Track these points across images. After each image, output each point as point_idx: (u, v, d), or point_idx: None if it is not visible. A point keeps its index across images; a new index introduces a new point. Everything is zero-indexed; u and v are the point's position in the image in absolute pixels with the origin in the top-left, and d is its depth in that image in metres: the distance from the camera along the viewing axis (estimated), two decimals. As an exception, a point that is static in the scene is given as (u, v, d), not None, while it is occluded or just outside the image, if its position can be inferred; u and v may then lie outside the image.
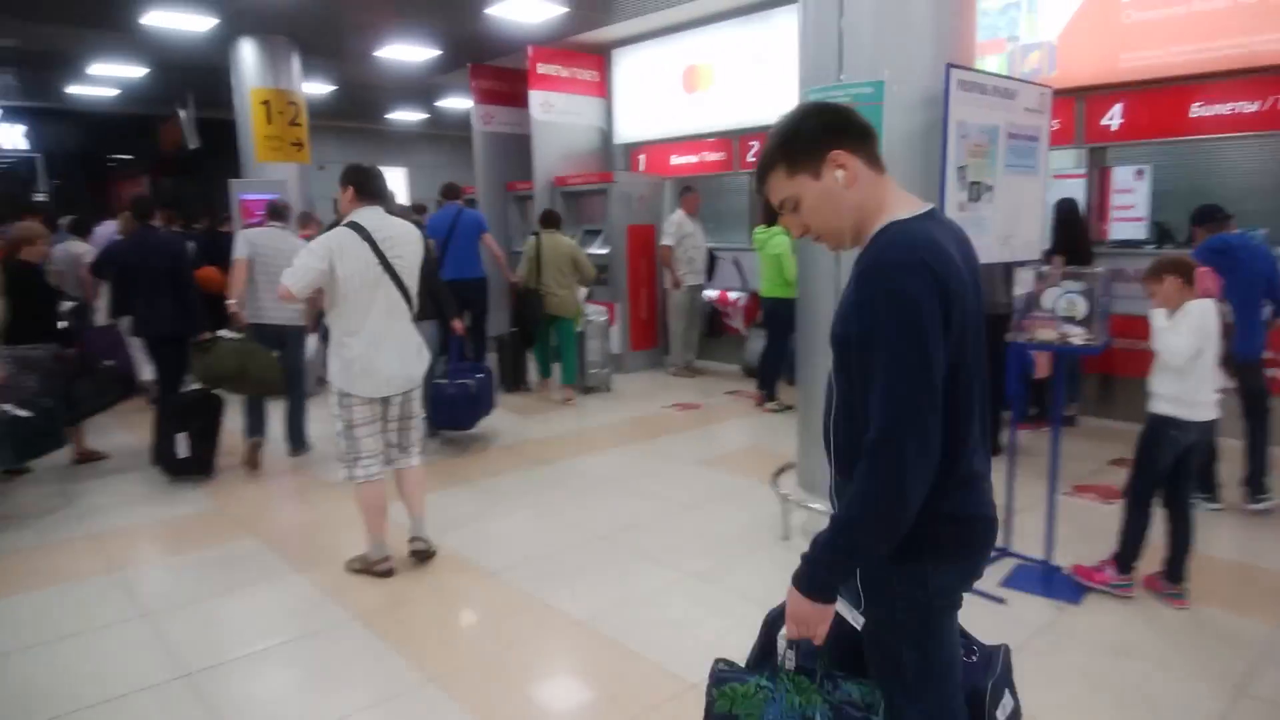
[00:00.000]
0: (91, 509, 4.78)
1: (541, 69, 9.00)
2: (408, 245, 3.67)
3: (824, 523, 1.53)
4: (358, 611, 3.45)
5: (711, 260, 8.43)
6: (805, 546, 1.53)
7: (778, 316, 6.68)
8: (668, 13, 8.08)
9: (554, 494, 4.92)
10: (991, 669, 1.75)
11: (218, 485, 5.18)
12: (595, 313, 7.75)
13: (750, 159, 8.37)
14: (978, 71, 3.51)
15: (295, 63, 9.36)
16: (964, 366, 1.47)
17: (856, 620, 1.60)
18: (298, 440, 5.70)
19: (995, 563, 3.72)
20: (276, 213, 5.47)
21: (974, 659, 1.76)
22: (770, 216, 6.63)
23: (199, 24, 8.45)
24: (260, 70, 9.09)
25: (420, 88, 12.70)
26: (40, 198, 12.97)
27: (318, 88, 12.39)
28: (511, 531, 4.38)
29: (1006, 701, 1.76)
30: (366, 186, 3.62)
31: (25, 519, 4.66)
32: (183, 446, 5.10)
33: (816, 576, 1.49)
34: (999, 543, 3.81)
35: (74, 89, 12.10)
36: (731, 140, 8.48)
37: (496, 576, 3.78)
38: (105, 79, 11.37)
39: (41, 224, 7.56)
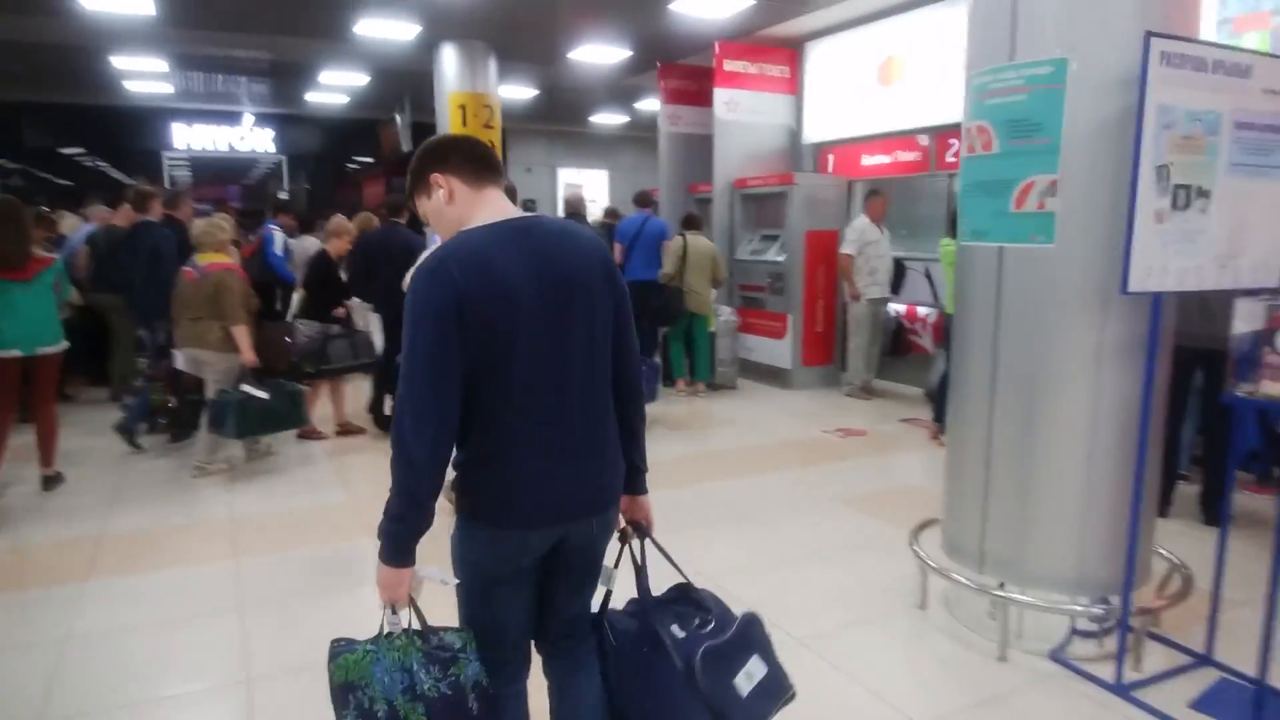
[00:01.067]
0: (262, 491, 5.04)
1: (728, 66, 8.60)
2: None
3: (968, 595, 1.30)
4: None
5: (899, 271, 7.63)
6: (944, 620, 1.18)
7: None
8: (865, -1, 7.43)
9: (669, 518, 4.53)
10: (718, 636, 1.91)
11: (355, 476, 5.31)
12: (726, 313, 8.09)
13: (950, 159, 7.48)
14: (1193, 42, 2.69)
15: (492, 66, 9.61)
16: (497, 355, 1.70)
17: (445, 582, 1.79)
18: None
19: (1189, 673, 2.88)
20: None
21: (708, 628, 1.94)
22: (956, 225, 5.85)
23: (404, 31, 8.89)
24: (459, 74, 9.42)
25: (620, 90, 12.73)
26: (282, 195, 14.47)
27: (521, 91, 12.78)
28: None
29: (753, 669, 1.91)
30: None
31: (183, 497, 4.99)
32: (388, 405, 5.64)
33: (385, 545, 1.71)
34: (1200, 648, 2.97)
35: (311, 96, 13.31)
36: (928, 138, 7.63)
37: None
38: (336, 87, 12.39)
39: (293, 219, 8.40)
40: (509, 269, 1.71)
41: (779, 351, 8.14)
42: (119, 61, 10.45)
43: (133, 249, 6.06)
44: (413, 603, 1.75)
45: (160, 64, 10.64)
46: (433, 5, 8.13)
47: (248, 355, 5.09)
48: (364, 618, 3.35)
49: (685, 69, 9.77)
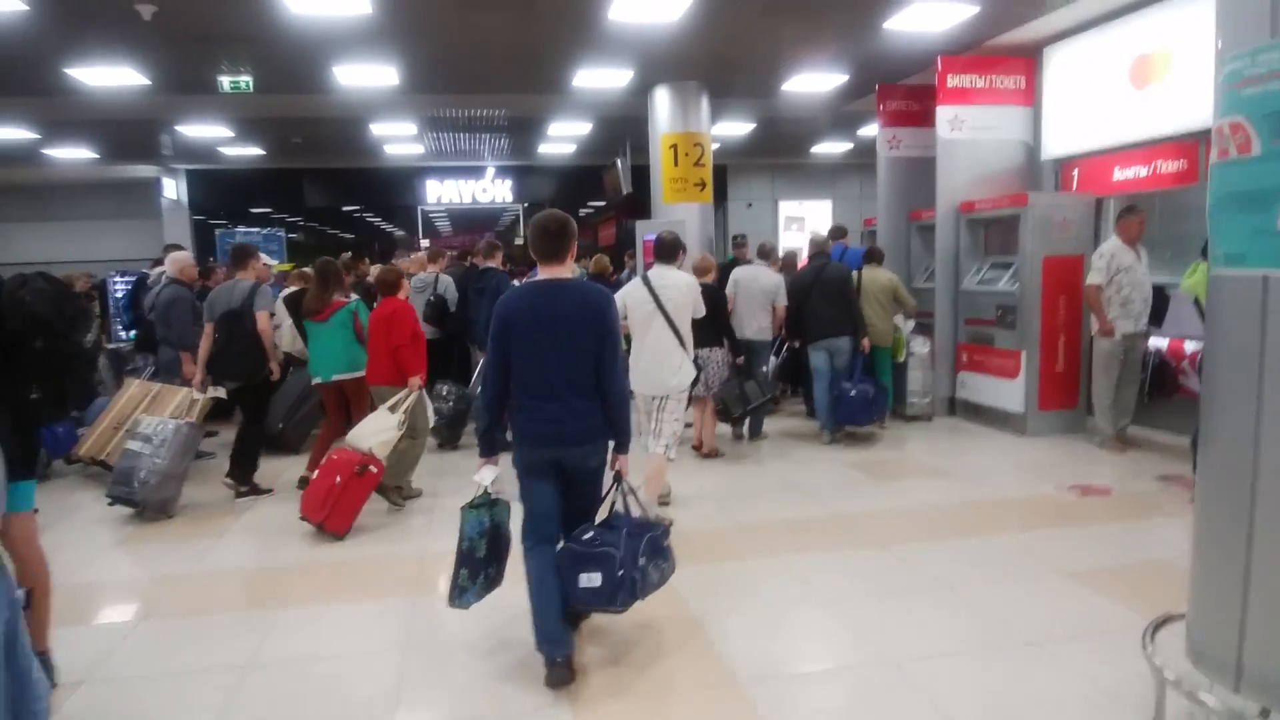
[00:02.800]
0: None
1: (952, 81, 7.92)
2: (677, 290, 4.81)
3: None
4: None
5: (1161, 300, 6.54)
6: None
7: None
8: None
9: (857, 583, 4.06)
10: (586, 548, 3.09)
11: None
12: (919, 344, 7.75)
13: (1225, 167, 6.31)
14: None
15: (704, 105, 9.62)
16: (513, 356, 3.11)
17: (484, 482, 3.21)
18: (756, 432, 7.12)
19: None
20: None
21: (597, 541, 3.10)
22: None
23: (618, 79, 9.14)
24: (671, 115, 9.52)
25: (839, 117, 12.27)
26: (518, 241, 15.51)
27: (738, 128, 12.71)
28: (770, 618, 3.67)
29: (651, 575, 3.11)
30: (660, 252, 5.00)
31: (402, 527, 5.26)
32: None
33: (479, 444, 3.30)
34: None
35: (543, 148, 14.14)
36: (1196, 143, 6.49)
37: (727, 678, 3.13)
38: (563, 137, 13.06)
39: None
40: (527, 310, 3.11)
41: (1010, 393, 7.25)
42: (377, 129, 11.74)
43: (480, 290, 7.03)
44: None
45: (410, 127, 11.80)
46: (644, 51, 8.28)
47: None
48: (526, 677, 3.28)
49: (905, 89, 9.16)
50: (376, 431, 5.06)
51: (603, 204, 18.27)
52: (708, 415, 6.57)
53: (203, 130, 11.36)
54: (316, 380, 5.71)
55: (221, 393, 5.76)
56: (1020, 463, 6.34)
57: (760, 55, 8.65)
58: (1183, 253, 6.69)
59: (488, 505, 3.21)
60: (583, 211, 18.54)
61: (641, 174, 12.14)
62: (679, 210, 9.45)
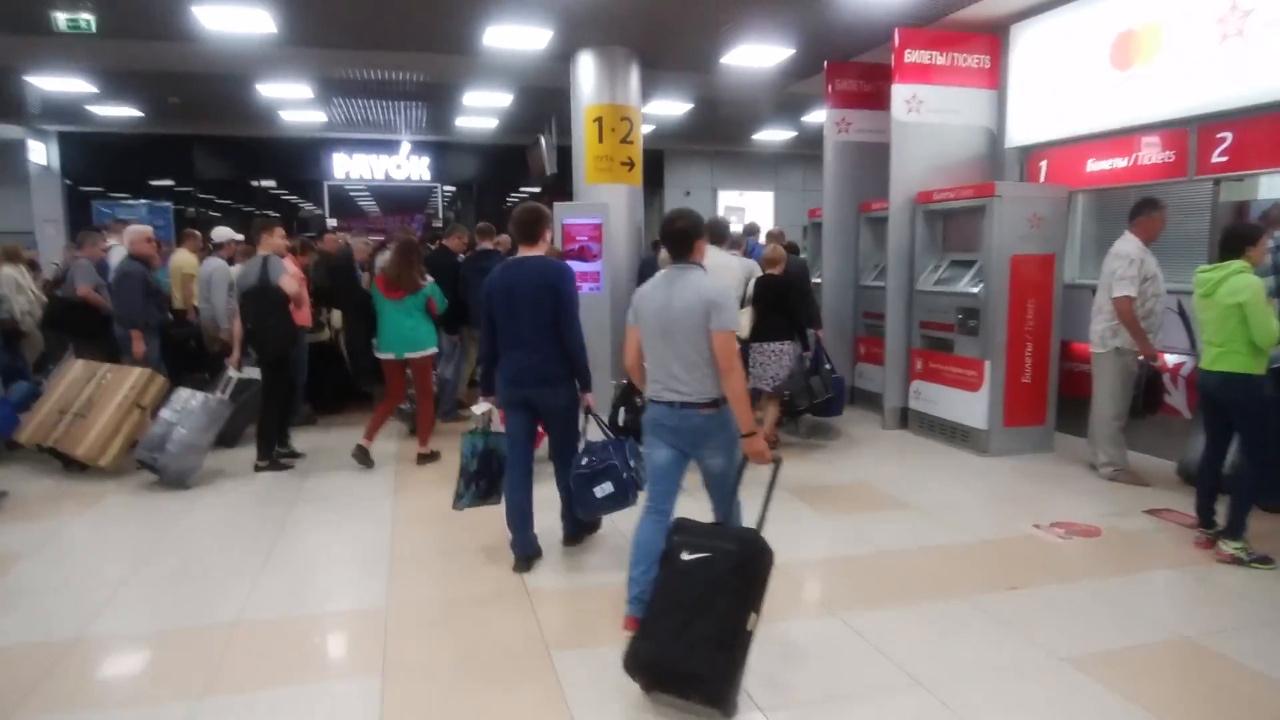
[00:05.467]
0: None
1: (910, 56, 7.04)
2: (725, 272, 5.16)
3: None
4: None
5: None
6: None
7: (1235, 404, 4.11)
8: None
9: (793, 676, 3.09)
10: (590, 468, 3.83)
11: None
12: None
13: (1218, 158, 5.57)
14: None
15: (634, 75, 8.57)
16: (495, 318, 3.90)
17: (476, 413, 4.21)
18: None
19: None
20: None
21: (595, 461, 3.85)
22: (1229, 247, 4.13)
23: (536, 39, 8.03)
24: (596, 85, 8.43)
25: (782, 100, 11.38)
26: (437, 223, 14.28)
27: (674, 107, 11.73)
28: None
29: (605, 487, 3.79)
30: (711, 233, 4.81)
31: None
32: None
33: (479, 384, 4.28)
34: None
35: (461, 121, 12.92)
36: (1186, 132, 5.75)
37: None
38: (481, 109, 11.87)
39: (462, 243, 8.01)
40: (503, 282, 3.92)
41: (971, 407, 6.43)
42: (266, 90, 10.36)
43: (483, 270, 6.89)
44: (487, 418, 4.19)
45: (305, 90, 10.46)
46: (564, 7, 7.20)
47: None
48: None
49: (857, 67, 8.30)
50: None
51: (538, 189, 17.15)
52: (770, 410, 6.29)
53: (60, 84, 9.82)
54: (388, 356, 5.90)
55: (255, 374, 5.93)
56: (988, 491, 5.50)
57: (696, 20, 7.65)
58: (1166, 254, 5.90)
59: (482, 433, 4.17)
60: (513, 196, 17.28)
61: (567, 153, 11.07)
62: (603, 192, 8.38)
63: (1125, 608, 3.66)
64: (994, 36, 7.26)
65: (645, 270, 6.75)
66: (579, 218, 7.49)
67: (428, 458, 6.08)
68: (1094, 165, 6.54)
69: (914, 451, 6.57)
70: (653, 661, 2.76)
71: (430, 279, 6.11)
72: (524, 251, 3.98)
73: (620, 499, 3.80)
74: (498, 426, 4.15)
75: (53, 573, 4.13)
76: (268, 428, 5.96)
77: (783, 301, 6.15)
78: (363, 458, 5.95)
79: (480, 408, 4.15)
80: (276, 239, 5.79)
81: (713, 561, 2.77)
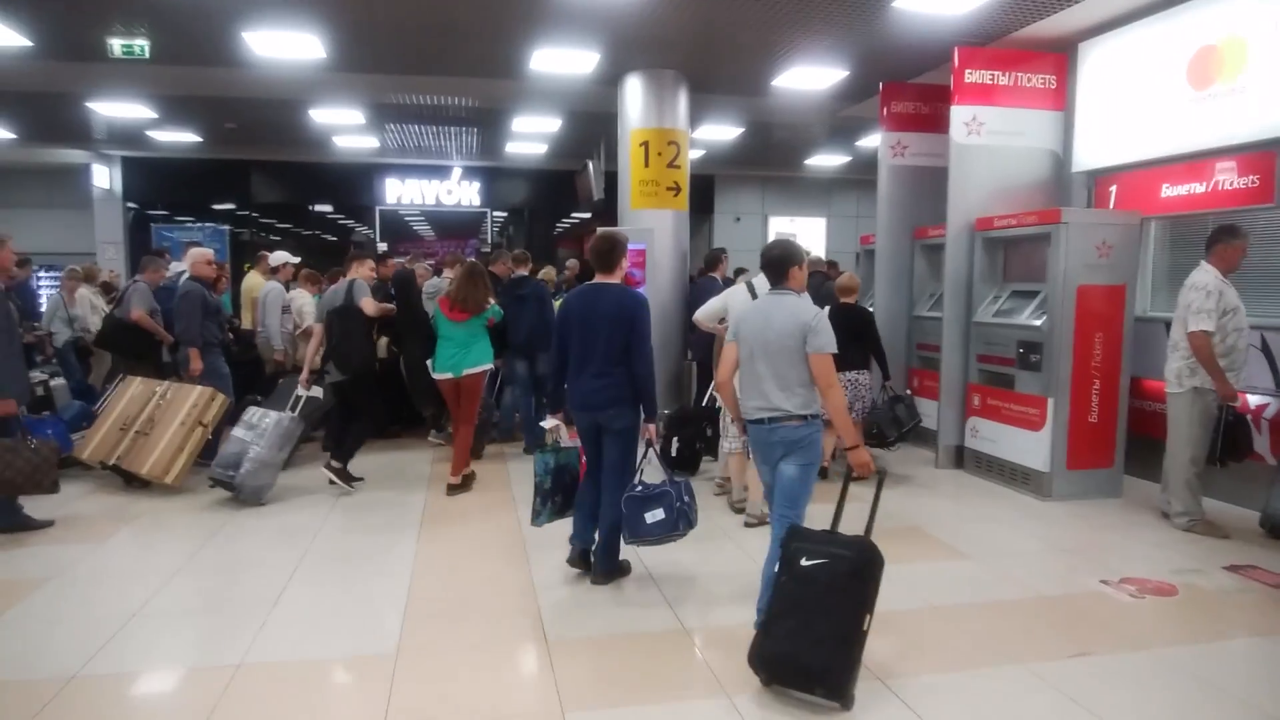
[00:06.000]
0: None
1: (971, 76, 6.73)
2: None
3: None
4: None
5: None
6: None
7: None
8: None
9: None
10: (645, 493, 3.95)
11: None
12: None
13: (1310, 182, 5.14)
14: None
15: (682, 98, 8.40)
16: (569, 342, 4.08)
17: (548, 427, 4.53)
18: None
19: None
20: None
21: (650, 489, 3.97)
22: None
23: (583, 63, 7.93)
24: (644, 109, 8.28)
25: (836, 124, 11.10)
26: (485, 249, 14.29)
27: (724, 132, 11.53)
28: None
29: (655, 514, 3.89)
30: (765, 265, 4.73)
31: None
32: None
33: (548, 403, 4.58)
34: None
35: (511, 147, 12.90)
36: (1273, 154, 5.32)
37: None
38: (531, 134, 11.81)
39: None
40: (581, 306, 4.08)
41: (1032, 447, 6.02)
42: (319, 115, 10.48)
43: (522, 297, 7.19)
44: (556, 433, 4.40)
45: (356, 115, 10.54)
46: (611, 31, 7.08)
47: None
48: None
49: (913, 89, 8.01)
50: None
51: (588, 215, 17.06)
52: (828, 441, 6.12)
53: (120, 109, 10.06)
54: (444, 376, 5.93)
55: (318, 392, 6.11)
56: (1050, 540, 5.09)
57: (748, 42, 7.45)
58: (1249, 286, 5.44)
59: (553, 450, 4.30)
60: (564, 222, 17.23)
61: (614, 178, 10.96)
62: (648, 217, 8.19)
63: (1207, 682, 3.26)
64: (1060, 55, 6.90)
65: (701, 294, 6.54)
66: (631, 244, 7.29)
67: (458, 488, 5.95)
68: (1169, 190, 6.12)
69: (969, 493, 6.18)
70: (778, 658, 3.00)
71: (492, 303, 6.18)
72: (600, 279, 4.12)
73: (669, 526, 3.87)
74: (566, 442, 4.34)
75: (66, 602, 4.04)
76: (355, 438, 6.07)
77: (861, 330, 6.07)
78: (453, 492, 5.95)
79: (549, 424, 4.37)
80: (365, 268, 6.21)
81: (831, 567, 2.98)
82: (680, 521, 3.88)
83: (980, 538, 5.07)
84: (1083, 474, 5.92)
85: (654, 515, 3.84)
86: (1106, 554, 4.78)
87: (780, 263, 3.50)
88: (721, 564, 4.55)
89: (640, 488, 3.93)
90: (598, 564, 4.21)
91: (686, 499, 3.93)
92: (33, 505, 5.09)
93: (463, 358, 5.90)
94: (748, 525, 5.14)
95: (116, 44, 7.02)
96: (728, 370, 3.62)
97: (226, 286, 8.40)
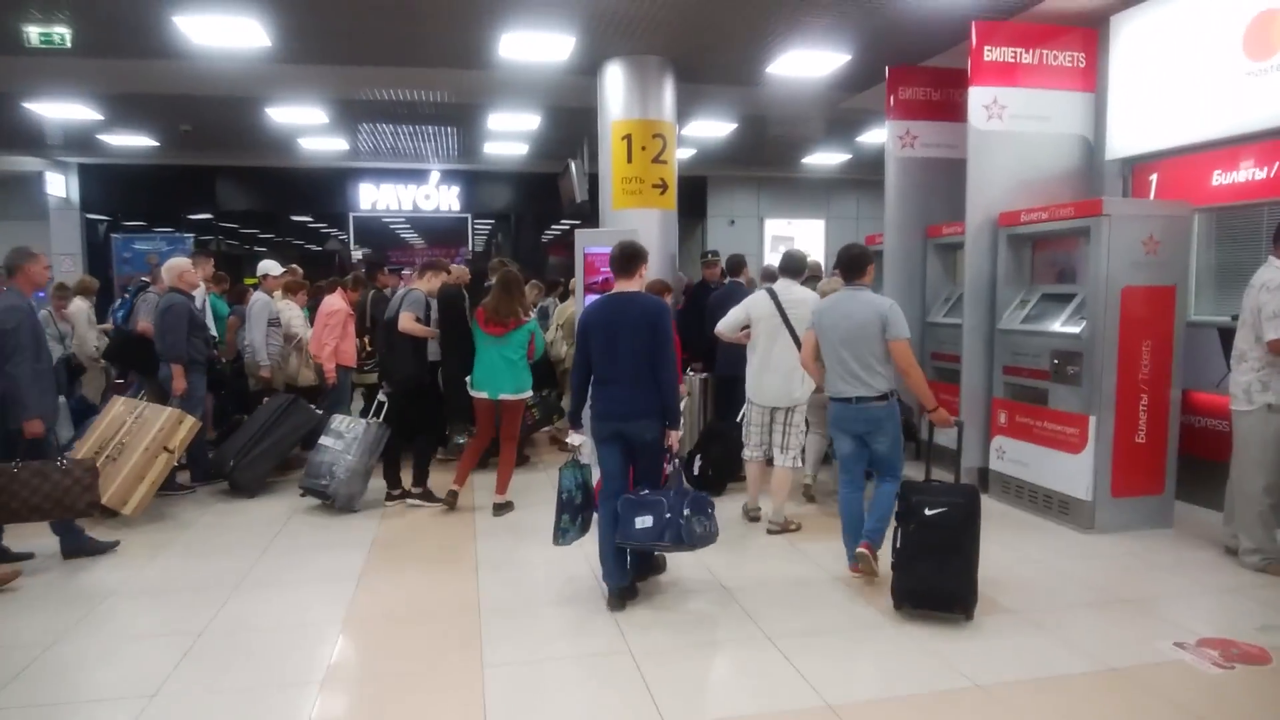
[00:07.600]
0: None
1: (990, 54, 5.99)
2: (803, 306, 4.94)
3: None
4: None
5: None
6: None
7: None
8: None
9: None
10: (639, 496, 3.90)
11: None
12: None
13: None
14: None
15: (668, 87, 7.66)
16: (590, 351, 3.98)
17: (574, 445, 4.32)
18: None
19: None
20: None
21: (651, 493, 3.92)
22: None
23: (559, 48, 7.19)
24: (625, 99, 7.54)
25: (836, 119, 10.38)
26: (468, 258, 13.60)
27: (717, 127, 10.79)
28: None
29: (643, 520, 3.81)
30: (787, 269, 5.30)
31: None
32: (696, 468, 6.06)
33: (569, 418, 4.38)
34: None
35: (490, 148, 12.16)
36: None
37: None
38: (509, 133, 11.07)
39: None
40: (602, 317, 3.98)
41: (1071, 472, 5.27)
42: (278, 114, 9.72)
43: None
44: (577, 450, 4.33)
45: (319, 114, 9.79)
46: (588, 11, 6.34)
47: None
48: None
49: (924, 73, 7.28)
50: None
51: (577, 221, 16.31)
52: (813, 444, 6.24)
53: (62, 110, 9.29)
54: (481, 394, 5.67)
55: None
56: (1103, 586, 4.33)
57: (739, 23, 6.72)
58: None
59: (578, 464, 4.17)
60: (553, 228, 16.43)
61: (595, 180, 10.22)
62: (632, 217, 7.44)
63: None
64: (1090, 30, 6.17)
65: (725, 300, 6.03)
66: (603, 246, 6.59)
67: (503, 507, 5.75)
68: (1221, 178, 5.39)
69: (999, 525, 5.39)
70: (920, 591, 3.78)
71: (532, 317, 5.96)
72: (620, 286, 4.08)
73: (655, 535, 3.80)
74: (586, 459, 4.29)
75: None
76: (421, 454, 5.96)
77: None
78: (499, 511, 5.76)
79: (575, 439, 4.30)
80: (434, 280, 6.00)
81: (950, 514, 3.70)
82: (668, 533, 3.75)
83: (1021, 585, 4.30)
84: (1130, 502, 5.17)
85: (643, 521, 3.81)
86: (1173, 606, 4.03)
87: (858, 260, 4.28)
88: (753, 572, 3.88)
89: (644, 491, 3.94)
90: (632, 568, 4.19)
91: (686, 513, 3.78)
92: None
93: (501, 381, 5.61)
94: (770, 533, 5.18)
95: (33, 32, 6.28)
96: (809, 354, 4.41)
97: (226, 289, 7.98)
